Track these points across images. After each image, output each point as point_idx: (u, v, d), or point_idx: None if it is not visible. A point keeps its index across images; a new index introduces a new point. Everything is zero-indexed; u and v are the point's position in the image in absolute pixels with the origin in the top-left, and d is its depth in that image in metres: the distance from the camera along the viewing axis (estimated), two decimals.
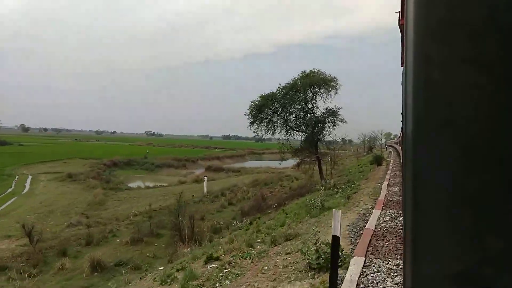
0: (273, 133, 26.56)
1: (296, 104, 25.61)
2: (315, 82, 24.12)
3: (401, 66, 4.89)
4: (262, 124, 25.71)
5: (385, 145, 72.77)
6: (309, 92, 25.09)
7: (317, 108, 25.79)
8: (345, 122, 24.83)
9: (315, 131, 25.07)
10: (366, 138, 76.73)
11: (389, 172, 20.93)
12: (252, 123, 25.44)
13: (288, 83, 24.74)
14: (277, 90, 24.86)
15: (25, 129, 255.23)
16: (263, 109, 25.21)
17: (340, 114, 25.09)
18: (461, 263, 0.51)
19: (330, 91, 24.90)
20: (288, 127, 25.90)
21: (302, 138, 25.79)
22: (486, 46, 0.49)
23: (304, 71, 24.61)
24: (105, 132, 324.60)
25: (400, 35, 5.69)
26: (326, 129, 25.24)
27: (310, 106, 25.55)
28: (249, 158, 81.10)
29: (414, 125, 0.55)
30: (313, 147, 25.32)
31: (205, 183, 26.80)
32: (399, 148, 32.61)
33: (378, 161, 28.54)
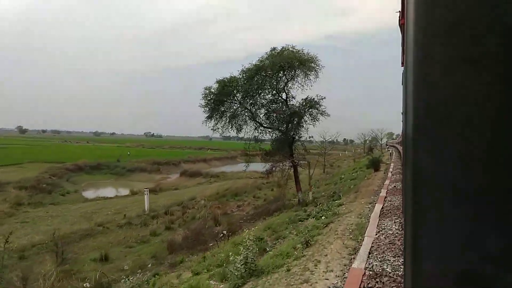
0: (239, 130, 20.45)
1: (267, 92, 19.51)
2: (287, 61, 17.97)
3: (402, 66, 4.66)
4: (223, 119, 19.58)
5: (386, 145, 66.83)
6: (282, 76, 18.96)
7: (293, 98, 19.67)
8: (327, 115, 18.75)
9: (289, 127, 18.95)
10: (367, 138, 71.04)
11: (387, 182, 14.71)
12: (209, 118, 19.30)
13: (253, 64, 18.61)
14: (240, 73, 18.74)
15: (22, 130, 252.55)
16: (223, 99, 19.08)
17: (322, 106, 18.96)
18: (461, 262, 0.51)
19: (309, 75, 18.78)
20: (257, 124, 19.79)
21: (273, 137, 19.70)
22: (486, 46, 0.49)
23: (275, 47, 18.45)
24: (104, 134, 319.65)
25: (400, 35, 5.29)
26: (303, 124, 19.11)
27: (284, 96, 19.42)
28: (240, 160, 74.95)
29: (414, 125, 0.55)
30: (287, 149, 19.22)
31: (146, 198, 20.21)
32: (400, 148, 26.61)
33: (374, 165, 22.55)
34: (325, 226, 8.93)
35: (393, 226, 7.52)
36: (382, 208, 9.70)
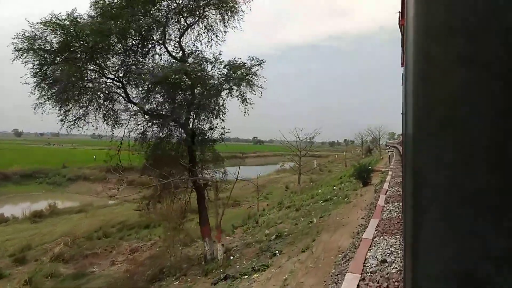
0: (116, 123, 11.80)
1: (155, 48, 10.87)
2: None
3: (401, 66, 4.71)
4: (77, 105, 10.84)
5: (386, 145, 57.76)
6: (179, 16, 10.37)
7: (207, 60, 10.89)
8: (260, 89, 10.31)
9: (192, 115, 10.28)
10: (368, 138, 62.13)
11: (371, 227, 8.13)
12: (51, 99, 10.53)
13: None
14: (93, 11, 9.85)
15: (18, 133, 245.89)
16: (75, 60, 10.39)
17: (258, 76, 10.27)
18: (461, 262, 0.51)
19: (229, 16, 10.13)
20: (141, 110, 11.10)
21: (162, 135, 10.99)
22: (485, 46, 0.49)
23: None
24: (102, 136, 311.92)
25: (400, 35, 5.35)
26: (219, 111, 10.40)
27: (180, 54, 10.78)
28: (227, 164, 65.63)
29: (414, 125, 0.55)
30: (186, 156, 10.58)
31: None
32: (401, 149, 17.73)
33: (362, 178, 13.55)
34: None
35: None
36: None
